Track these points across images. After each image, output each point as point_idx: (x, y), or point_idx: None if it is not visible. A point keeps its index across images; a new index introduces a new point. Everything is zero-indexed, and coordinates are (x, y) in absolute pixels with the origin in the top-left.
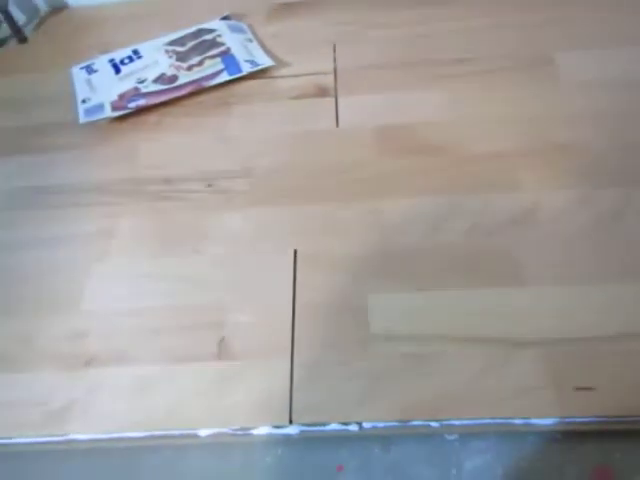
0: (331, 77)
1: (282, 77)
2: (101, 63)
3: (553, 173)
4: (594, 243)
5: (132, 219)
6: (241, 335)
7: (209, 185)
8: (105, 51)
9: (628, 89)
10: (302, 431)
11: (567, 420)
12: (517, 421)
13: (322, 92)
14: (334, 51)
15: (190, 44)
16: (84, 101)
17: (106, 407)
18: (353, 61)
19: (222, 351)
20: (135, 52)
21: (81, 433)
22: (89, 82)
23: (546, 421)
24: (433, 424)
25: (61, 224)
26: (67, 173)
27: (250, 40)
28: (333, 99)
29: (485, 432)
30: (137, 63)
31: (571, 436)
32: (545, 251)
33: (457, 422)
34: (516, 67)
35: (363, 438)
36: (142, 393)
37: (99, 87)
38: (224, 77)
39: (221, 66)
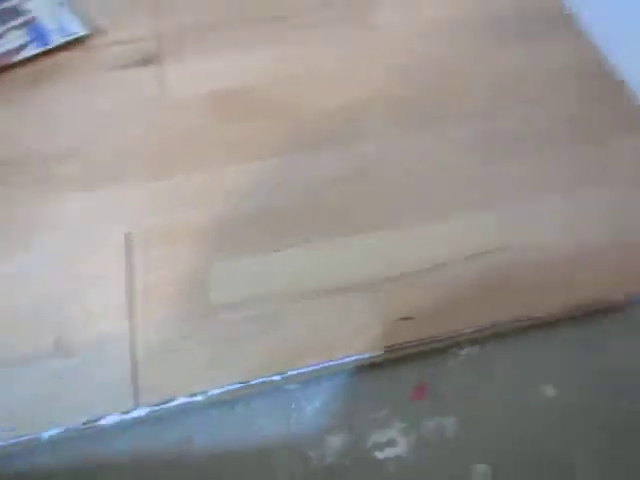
0: (154, 42)
1: (102, 45)
2: None
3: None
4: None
5: None
6: (77, 331)
7: (35, 171)
8: None
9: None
10: (150, 411)
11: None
12: (347, 359)
13: (146, 60)
14: (155, 15)
15: None
16: None
17: None
18: (175, 23)
19: (59, 349)
20: None
21: None
22: None
23: (371, 353)
24: (275, 377)
25: None
26: None
27: (62, 4)
28: (159, 67)
29: (320, 376)
30: None
31: (393, 362)
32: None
33: (295, 372)
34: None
35: (210, 405)
36: None
37: None
38: (32, 50)
39: (27, 38)
